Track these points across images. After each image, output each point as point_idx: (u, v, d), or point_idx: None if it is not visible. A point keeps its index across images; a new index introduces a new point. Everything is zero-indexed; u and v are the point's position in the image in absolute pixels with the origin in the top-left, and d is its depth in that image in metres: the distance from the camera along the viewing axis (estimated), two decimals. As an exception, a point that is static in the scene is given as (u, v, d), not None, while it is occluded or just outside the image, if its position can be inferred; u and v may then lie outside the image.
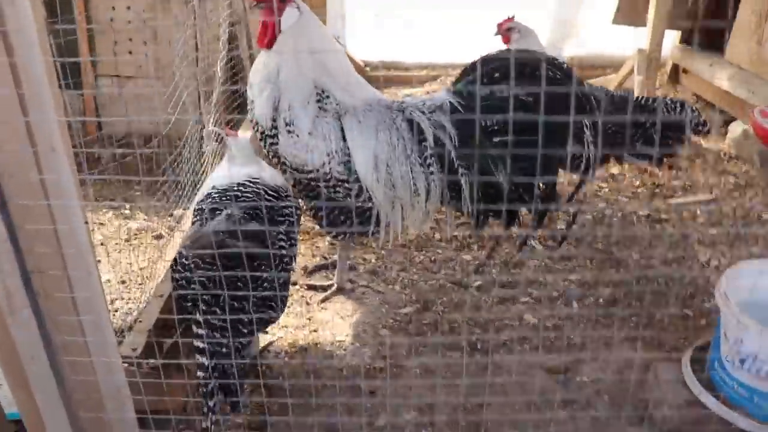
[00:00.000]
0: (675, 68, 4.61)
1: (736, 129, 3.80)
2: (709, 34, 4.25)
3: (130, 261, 3.00)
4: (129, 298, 2.73)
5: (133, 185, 3.57)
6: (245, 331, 1.92)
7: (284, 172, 2.43)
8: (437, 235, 3.06)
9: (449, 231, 2.96)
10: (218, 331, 1.87)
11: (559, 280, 2.79)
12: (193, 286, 1.87)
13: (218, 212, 2.09)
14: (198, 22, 3.33)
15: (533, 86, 2.27)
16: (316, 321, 2.58)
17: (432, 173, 2.40)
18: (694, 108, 2.69)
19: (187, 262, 1.89)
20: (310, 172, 2.38)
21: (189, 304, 1.92)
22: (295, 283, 2.74)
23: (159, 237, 3.21)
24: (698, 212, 3.29)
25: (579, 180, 2.50)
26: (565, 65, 2.43)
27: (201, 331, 1.87)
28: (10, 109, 1.33)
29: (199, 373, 1.86)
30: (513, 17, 3.40)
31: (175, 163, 2.61)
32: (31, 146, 1.37)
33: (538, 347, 2.42)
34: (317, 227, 2.92)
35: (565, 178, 2.54)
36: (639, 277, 2.80)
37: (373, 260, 2.93)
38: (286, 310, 2.20)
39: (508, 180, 2.36)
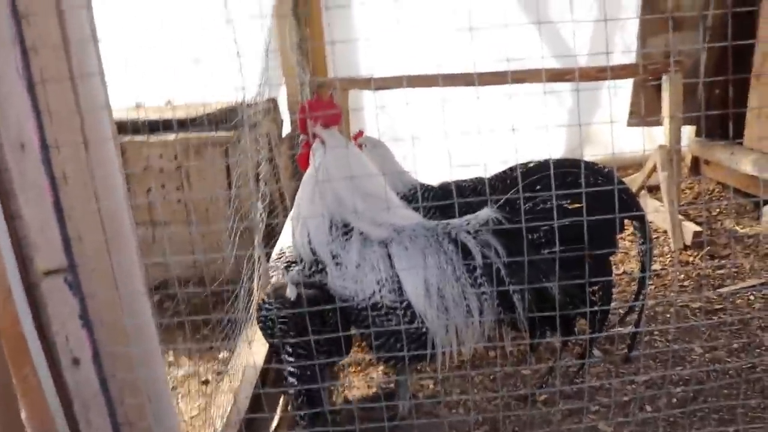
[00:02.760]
0: (695, 160, 4.69)
1: (770, 211, 3.80)
2: (723, 125, 4.35)
3: (179, 411, 2.92)
4: (184, 450, 2.63)
5: (175, 330, 3.53)
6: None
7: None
8: (491, 353, 2.98)
9: (507, 346, 2.88)
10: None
11: (626, 385, 2.69)
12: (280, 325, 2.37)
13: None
14: (232, 163, 3.43)
15: (574, 193, 2.30)
16: (383, 455, 2.46)
17: (484, 293, 2.38)
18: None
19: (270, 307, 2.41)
20: (361, 302, 2.36)
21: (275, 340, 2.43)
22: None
23: (206, 383, 3.14)
24: (752, 298, 3.22)
25: (639, 280, 2.47)
26: (606, 169, 2.46)
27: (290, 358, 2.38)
28: (101, 253, 1.34)
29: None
30: (362, 132, 3.46)
31: (230, 304, 2.60)
32: (117, 289, 1.38)
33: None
34: (370, 357, 2.87)
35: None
36: (708, 371, 2.70)
37: (431, 386, 2.84)
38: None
39: (561, 291, 2.33)
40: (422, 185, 3.21)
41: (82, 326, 1.38)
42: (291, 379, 2.38)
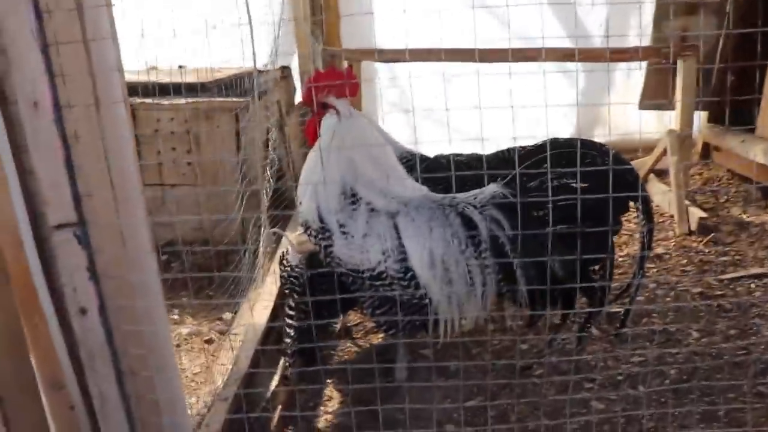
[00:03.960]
0: (706, 146, 4.68)
1: (778, 201, 3.80)
2: (736, 112, 4.32)
3: (183, 367, 2.99)
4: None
5: (179, 290, 3.58)
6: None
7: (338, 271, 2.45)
8: (491, 326, 3.02)
9: (508, 321, 2.93)
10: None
11: (621, 363, 2.73)
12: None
13: None
14: (242, 129, 3.46)
15: (580, 172, 2.31)
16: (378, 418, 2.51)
17: (487, 266, 2.41)
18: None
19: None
20: (366, 271, 2.40)
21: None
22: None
23: (209, 341, 3.20)
24: (752, 286, 3.24)
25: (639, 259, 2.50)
26: (605, 147, 2.47)
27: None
28: (110, 210, 1.39)
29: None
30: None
31: (235, 266, 2.66)
32: (124, 245, 1.42)
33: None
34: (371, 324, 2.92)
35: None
36: (703, 354, 2.73)
37: (430, 355, 2.89)
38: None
39: (564, 267, 2.36)
40: (413, 154, 3.20)
41: (90, 278, 1.43)
42: (288, 336, 2.60)
